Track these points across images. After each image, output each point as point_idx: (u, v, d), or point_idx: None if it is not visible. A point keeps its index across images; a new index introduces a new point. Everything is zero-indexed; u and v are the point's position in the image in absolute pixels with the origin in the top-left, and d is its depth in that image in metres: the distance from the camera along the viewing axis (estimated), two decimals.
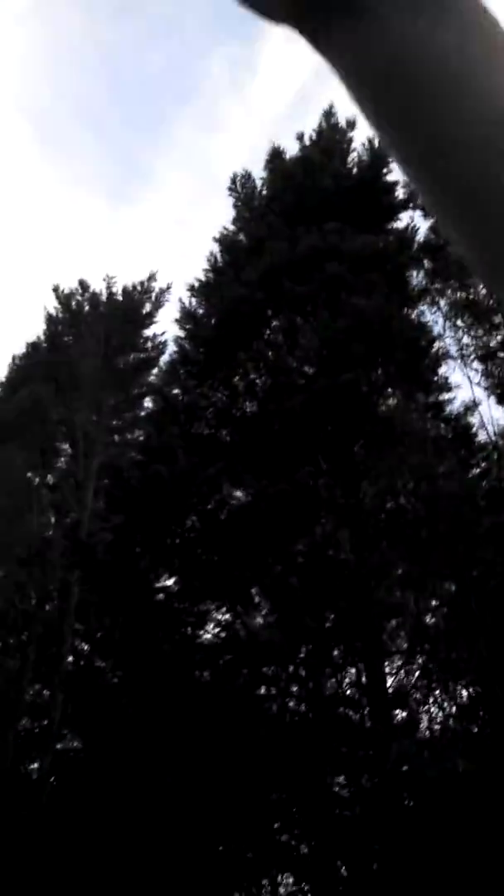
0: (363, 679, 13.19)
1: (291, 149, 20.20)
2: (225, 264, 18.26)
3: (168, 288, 22.43)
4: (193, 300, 18.47)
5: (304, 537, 13.89)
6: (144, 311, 22.38)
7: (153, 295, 22.48)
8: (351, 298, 14.94)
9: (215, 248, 19.27)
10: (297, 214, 17.57)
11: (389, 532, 13.64)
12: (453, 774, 9.37)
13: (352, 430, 14.87)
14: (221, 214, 42.54)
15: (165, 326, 23.19)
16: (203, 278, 18.40)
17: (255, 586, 13.97)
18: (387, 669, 13.49)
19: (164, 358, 22.03)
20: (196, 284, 18.29)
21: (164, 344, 22.18)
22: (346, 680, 13.60)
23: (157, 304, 22.43)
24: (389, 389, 15.97)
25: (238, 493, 14.97)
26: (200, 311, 17.98)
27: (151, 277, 22.47)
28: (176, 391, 17.63)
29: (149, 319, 22.33)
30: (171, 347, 18.60)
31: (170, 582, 15.02)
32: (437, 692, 13.08)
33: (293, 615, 12.63)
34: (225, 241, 19.12)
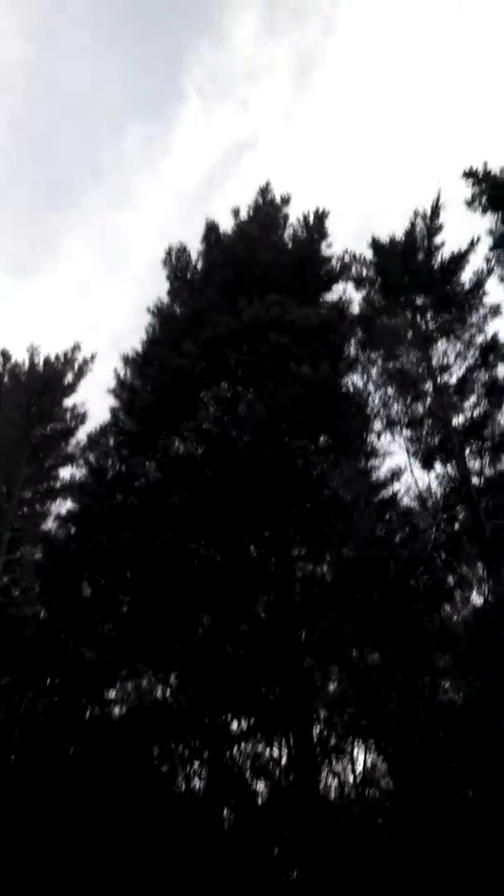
0: (291, 748, 13.15)
1: (225, 223, 20.95)
2: (162, 335, 18.52)
3: (92, 358, 22.59)
4: (128, 371, 18.55)
5: (242, 608, 13.93)
6: (66, 382, 22.28)
7: (76, 365, 22.47)
8: (298, 368, 15.37)
9: (150, 319, 19.57)
10: (236, 287, 18.19)
11: (319, 600, 13.83)
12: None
13: (295, 497, 15.07)
14: (130, 285, 43.29)
15: (86, 396, 23.03)
16: (140, 349, 18.58)
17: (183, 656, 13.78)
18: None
19: (86, 428, 21.93)
20: (132, 355, 18.44)
21: (85, 415, 22.13)
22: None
23: (80, 375, 22.47)
24: (330, 456, 16.27)
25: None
26: (137, 382, 18.06)
27: (76, 348, 22.56)
28: (109, 461, 17.53)
29: (70, 390, 22.25)
30: (98, 418, 18.57)
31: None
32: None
33: (212, 685, 12.59)
34: (161, 313, 19.48)
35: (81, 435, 21.64)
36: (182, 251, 21.12)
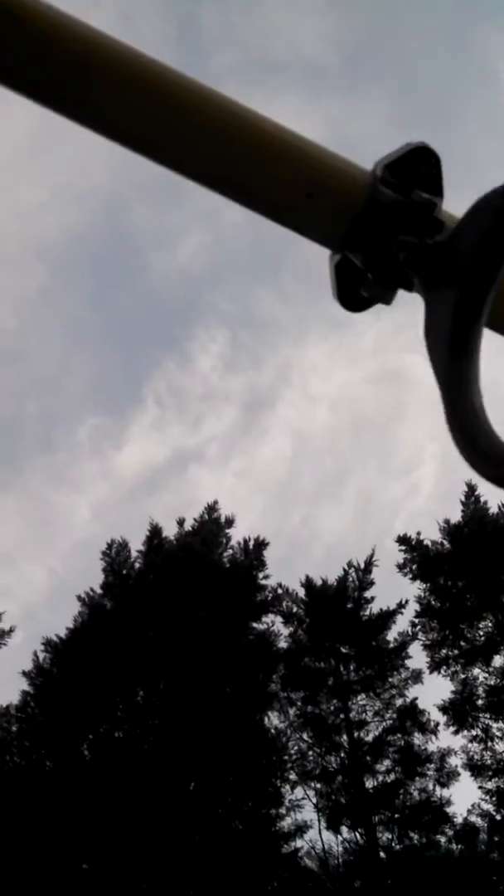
0: None
1: (168, 528, 22.35)
2: (90, 627, 19.04)
3: (11, 630, 22.49)
4: (46, 655, 18.79)
5: None
6: None
7: None
8: (225, 692, 16.03)
9: (79, 607, 20.12)
10: (173, 596, 19.07)
11: None
12: None
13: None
14: (53, 561, 43.64)
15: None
16: (63, 636, 18.96)
17: None
18: None
19: None
20: (55, 641, 18.75)
21: None
22: None
23: None
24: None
25: None
26: (55, 670, 18.26)
27: None
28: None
29: None
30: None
31: None
32: None
33: None
34: (90, 603, 20.11)
35: None
36: (122, 547, 22.20)
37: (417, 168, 0.89)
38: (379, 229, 0.88)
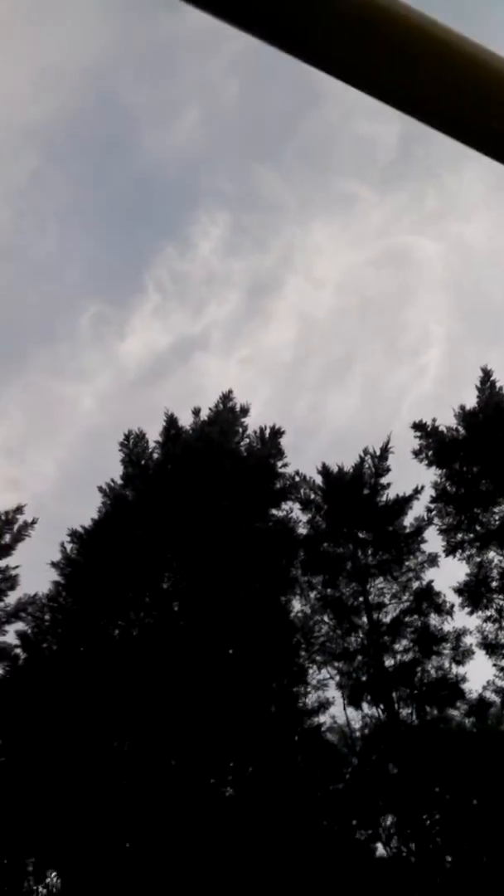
0: None
1: (183, 418, 22.81)
2: (113, 517, 19.70)
3: (33, 522, 23.30)
4: (73, 546, 19.56)
5: None
6: (3, 542, 22.92)
7: (15, 527, 23.20)
8: (246, 577, 16.80)
9: (101, 498, 20.77)
10: (193, 485, 19.66)
11: None
12: None
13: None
14: (60, 452, 44.29)
15: (22, 560, 23.60)
16: (88, 527, 19.67)
17: None
18: None
19: (15, 594, 22.27)
20: (80, 531, 19.47)
21: (16, 578, 22.60)
22: None
23: (18, 537, 23.09)
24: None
25: None
26: (81, 560, 19.05)
27: (18, 509, 23.33)
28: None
29: (6, 551, 22.85)
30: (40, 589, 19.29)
31: None
32: None
33: None
34: (111, 495, 20.73)
35: (10, 599, 22.02)
36: (140, 438, 22.70)
37: None
38: None
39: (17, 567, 22.60)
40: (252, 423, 23.52)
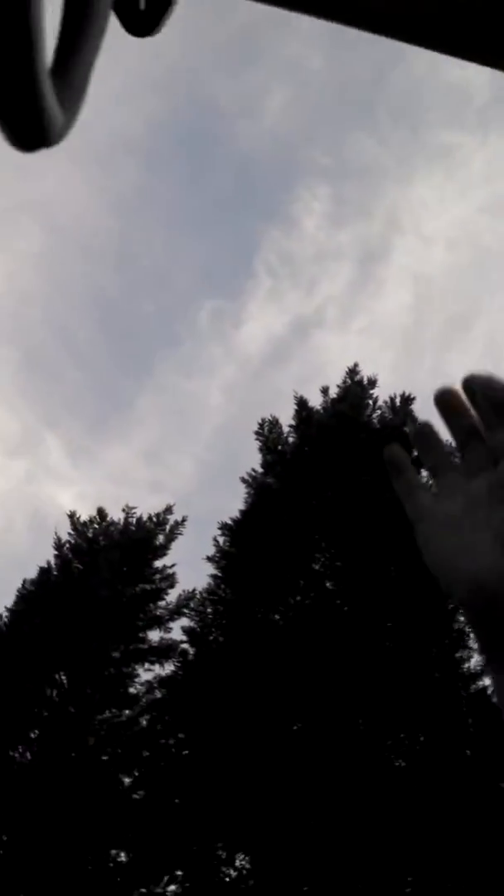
0: None
1: (314, 400, 23.21)
2: (259, 506, 20.34)
3: (183, 521, 24.43)
4: (224, 538, 20.34)
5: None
6: (157, 543, 24.12)
7: (167, 527, 24.37)
8: (399, 548, 17.02)
9: (245, 489, 21.51)
10: (331, 463, 20.03)
11: None
12: None
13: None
14: (197, 448, 45.82)
15: (175, 558, 24.72)
16: (237, 517, 20.42)
17: None
18: None
19: (174, 591, 23.29)
20: (230, 524, 20.23)
21: (174, 577, 23.68)
22: None
23: (171, 537, 24.29)
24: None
25: None
26: (233, 550, 19.78)
27: (168, 510, 24.51)
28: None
29: (161, 551, 24.04)
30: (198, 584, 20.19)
31: None
32: None
33: None
34: (256, 484, 21.38)
35: (171, 597, 23.16)
36: (274, 424, 23.33)
37: None
38: None
39: (173, 566, 23.73)
40: (380, 393, 23.62)
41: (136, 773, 19.41)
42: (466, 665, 17.65)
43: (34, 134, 0.54)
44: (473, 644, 18.09)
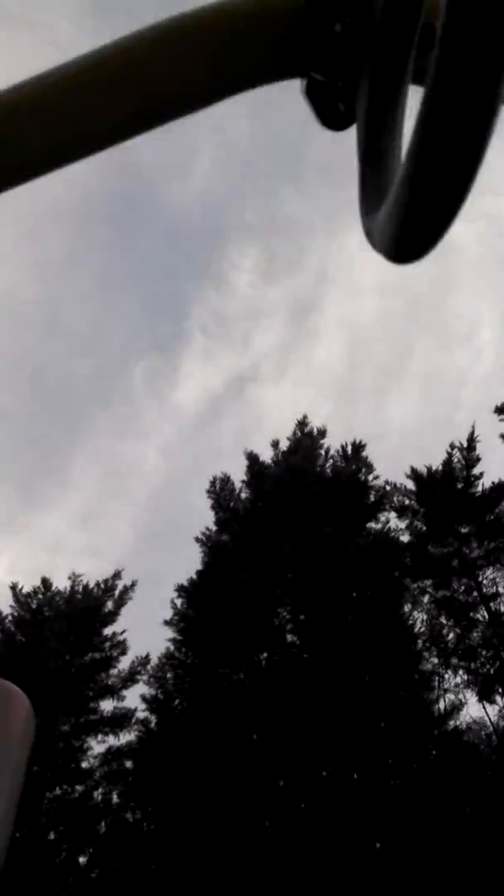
0: None
1: (264, 454, 23.11)
2: (215, 565, 19.96)
3: (133, 585, 23.78)
4: (181, 601, 19.85)
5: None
6: (106, 610, 23.39)
7: (116, 593, 23.66)
8: (359, 595, 16.83)
9: (198, 549, 21.11)
10: (288, 517, 19.82)
11: None
12: None
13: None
14: (133, 509, 45.22)
15: (124, 623, 24.03)
16: (194, 579, 19.99)
17: None
18: None
19: (126, 658, 22.57)
20: (187, 586, 19.80)
21: (125, 643, 22.98)
22: None
23: (120, 602, 23.59)
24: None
25: None
26: (191, 612, 19.30)
27: (116, 575, 23.87)
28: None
29: (111, 617, 23.31)
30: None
31: None
32: None
33: None
34: (209, 543, 21.02)
35: (123, 665, 22.41)
36: (226, 481, 23.12)
37: None
38: (324, 27, 0.80)
39: (123, 632, 23.04)
40: (330, 443, 23.65)
41: (91, 851, 18.51)
42: (435, 707, 17.37)
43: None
44: (441, 685, 17.86)
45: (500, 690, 17.17)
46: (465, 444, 21.05)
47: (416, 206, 0.53)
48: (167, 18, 0.84)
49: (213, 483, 22.95)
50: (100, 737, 21.83)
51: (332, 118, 0.85)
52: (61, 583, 24.23)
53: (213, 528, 22.14)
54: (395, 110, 0.72)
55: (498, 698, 17.22)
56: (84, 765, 21.31)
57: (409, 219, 0.54)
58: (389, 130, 0.72)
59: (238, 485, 23.03)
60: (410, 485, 21.52)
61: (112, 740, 20.93)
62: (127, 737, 20.28)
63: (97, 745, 21.72)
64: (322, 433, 23.89)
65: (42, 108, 0.81)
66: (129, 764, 18.98)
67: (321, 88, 0.85)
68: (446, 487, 20.63)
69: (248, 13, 0.83)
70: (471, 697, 17.67)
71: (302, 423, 23.96)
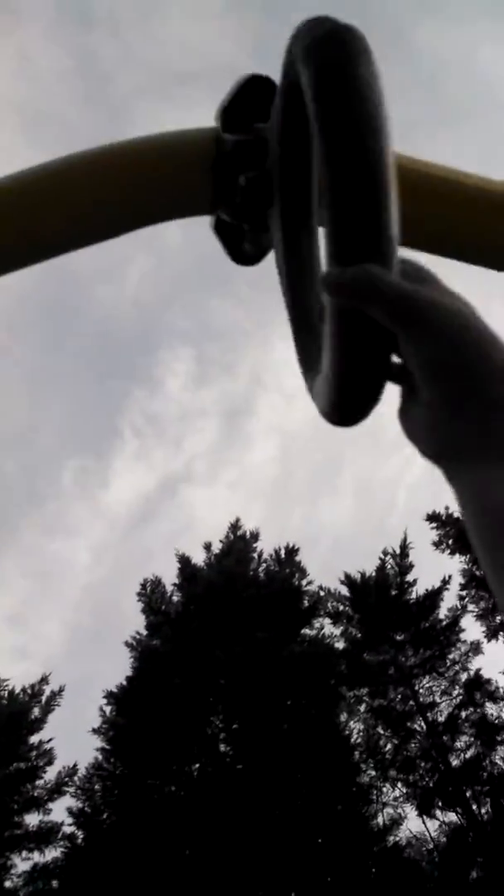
0: None
1: (196, 556, 23.14)
2: (145, 671, 19.70)
3: (60, 691, 23.12)
4: (110, 708, 19.50)
5: None
6: (32, 717, 22.69)
7: (43, 699, 23.00)
8: (294, 703, 16.77)
9: (128, 653, 20.85)
10: (220, 621, 19.77)
11: None
12: None
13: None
14: (64, 611, 44.42)
15: (51, 731, 23.23)
16: (123, 685, 19.68)
17: None
18: None
19: (52, 768, 21.81)
20: (116, 692, 19.49)
21: (51, 752, 22.21)
22: None
23: (47, 709, 22.88)
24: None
25: None
26: (121, 720, 18.95)
27: (44, 680, 23.20)
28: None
29: (37, 725, 22.58)
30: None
31: None
32: None
33: None
34: (140, 647, 20.79)
35: (49, 775, 21.62)
36: (157, 584, 22.94)
37: (255, 100, 0.88)
38: (231, 176, 0.88)
39: (50, 740, 22.33)
40: (263, 546, 23.77)
41: None
42: (374, 822, 17.18)
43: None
44: (380, 798, 17.69)
45: (440, 804, 17.06)
46: (398, 551, 21.46)
47: (343, 392, 0.63)
48: (91, 148, 0.90)
49: (143, 585, 22.73)
50: (24, 853, 20.90)
51: (239, 254, 0.98)
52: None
53: (144, 632, 21.87)
54: (310, 256, 0.80)
55: (438, 812, 17.12)
56: (7, 884, 20.34)
57: (340, 398, 0.63)
58: (309, 281, 0.80)
59: (170, 587, 22.90)
60: (344, 590, 21.74)
61: (38, 857, 20.10)
62: (53, 853, 19.52)
63: (21, 863, 20.74)
64: (255, 536, 24.03)
65: None
66: (55, 883, 18.21)
67: (228, 228, 0.96)
68: (380, 594, 20.85)
69: (162, 151, 0.91)
70: (410, 811, 17.55)
71: (235, 526, 24.10)
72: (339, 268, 0.59)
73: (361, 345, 0.59)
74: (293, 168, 0.78)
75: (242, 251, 0.97)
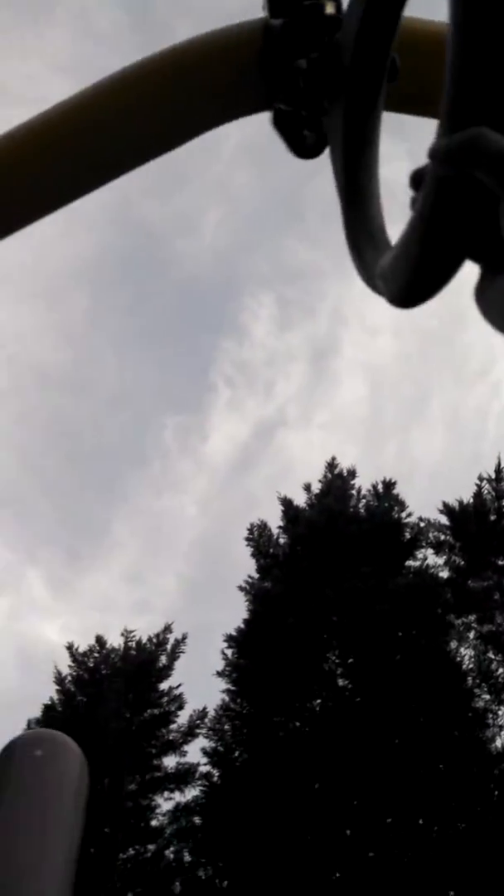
0: None
1: (298, 498, 23.90)
2: (261, 613, 20.68)
3: (184, 638, 24.51)
4: (231, 651, 20.60)
5: None
6: (160, 664, 24.16)
7: (168, 647, 24.45)
8: (404, 635, 17.50)
9: (243, 597, 21.89)
10: (326, 559, 20.55)
11: None
12: None
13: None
14: (178, 563, 46.25)
15: (179, 677, 24.69)
16: (242, 628, 20.72)
17: None
18: None
19: (184, 712, 23.12)
20: (236, 635, 20.54)
21: (182, 697, 23.58)
22: None
23: (173, 657, 24.34)
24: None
25: None
26: (243, 662, 20.02)
27: (167, 629, 24.64)
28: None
29: (165, 672, 24.06)
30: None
31: None
32: None
33: None
34: (253, 591, 21.79)
35: (181, 719, 22.99)
36: (263, 528, 23.91)
37: None
38: (284, 63, 0.85)
39: (179, 686, 23.72)
40: (361, 483, 24.36)
41: None
42: (491, 745, 17.97)
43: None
44: (496, 722, 18.48)
45: None
46: (494, 476, 21.81)
47: (426, 260, 0.56)
48: (129, 65, 0.90)
49: (250, 530, 23.75)
50: (166, 794, 22.46)
51: (301, 147, 0.95)
52: (114, 640, 25.00)
53: (256, 575, 22.95)
54: (371, 141, 0.76)
55: None
56: (154, 823, 21.95)
57: (418, 270, 0.57)
58: (367, 165, 0.76)
59: (275, 530, 23.84)
60: (444, 520, 22.25)
61: (178, 797, 21.75)
62: (192, 792, 21.05)
63: (164, 803, 22.30)
64: (352, 473, 24.65)
65: (38, 151, 0.92)
66: (197, 820, 19.69)
67: (288, 119, 0.92)
68: (479, 520, 21.29)
69: (206, 54, 0.90)
70: None
71: (331, 465, 24.75)
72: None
73: (453, 216, 0.53)
74: (370, 47, 0.73)
75: (303, 142, 0.95)
